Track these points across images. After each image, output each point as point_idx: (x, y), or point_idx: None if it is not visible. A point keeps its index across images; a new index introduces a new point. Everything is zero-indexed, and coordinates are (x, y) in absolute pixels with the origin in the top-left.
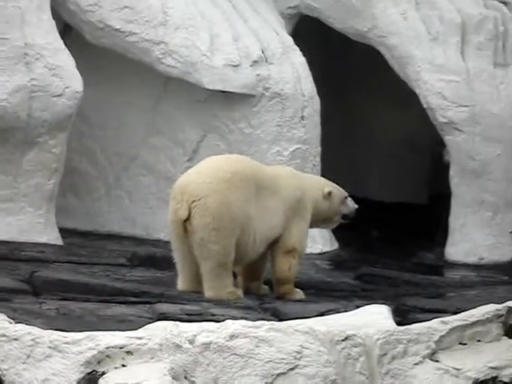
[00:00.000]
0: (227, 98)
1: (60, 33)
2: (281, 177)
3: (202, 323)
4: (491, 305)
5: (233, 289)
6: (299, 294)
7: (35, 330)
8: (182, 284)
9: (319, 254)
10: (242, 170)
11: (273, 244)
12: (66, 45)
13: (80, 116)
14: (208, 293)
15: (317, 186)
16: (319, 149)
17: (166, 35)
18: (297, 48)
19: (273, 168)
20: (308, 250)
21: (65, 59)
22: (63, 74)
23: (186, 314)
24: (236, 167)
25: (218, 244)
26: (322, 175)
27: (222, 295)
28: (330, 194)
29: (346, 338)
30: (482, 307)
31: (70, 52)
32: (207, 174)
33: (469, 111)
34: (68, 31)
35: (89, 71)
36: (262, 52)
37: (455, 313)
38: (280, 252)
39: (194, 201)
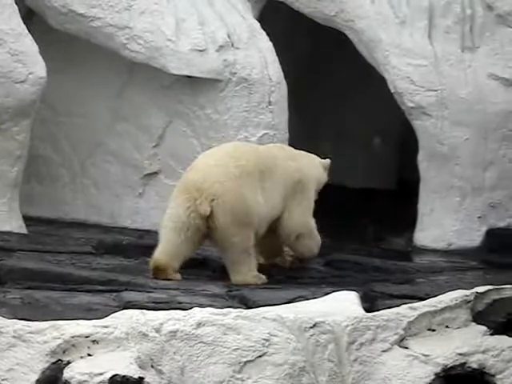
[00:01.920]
0: (193, 84)
1: (23, 18)
2: (278, 158)
3: (169, 311)
4: (459, 290)
5: (257, 273)
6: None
7: None
8: (159, 254)
9: None
10: (247, 163)
11: (273, 224)
12: (28, 30)
13: (44, 102)
14: (235, 278)
15: (312, 162)
16: (287, 134)
17: (130, 20)
18: (263, 33)
19: (268, 149)
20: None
21: (28, 45)
22: (26, 60)
23: (153, 302)
24: (242, 162)
25: (238, 236)
26: None
27: (248, 279)
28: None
29: (314, 325)
30: (451, 293)
31: (33, 37)
32: (218, 173)
33: (437, 95)
34: (31, 16)
35: (52, 57)
36: (229, 37)
37: (424, 299)
38: (290, 239)
39: (213, 199)
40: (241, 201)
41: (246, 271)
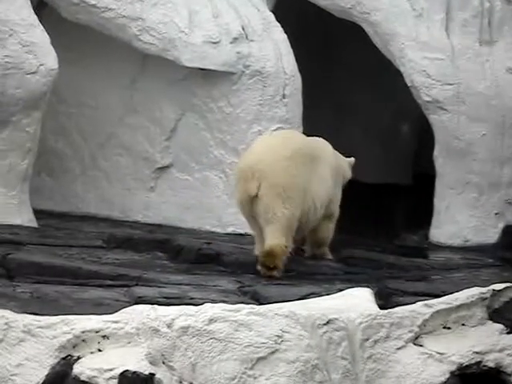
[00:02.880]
0: (206, 76)
1: (34, 9)
2: (324, 150)
3: (181, 307)
4: (475, 288)
5: (288, 248)
6: (330, 255)
7: (8, 314)
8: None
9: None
10: (299, 146)
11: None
12: (40, 21)
13: (55, 94)
14: (269, 241)
15: (344, 160)
16: (301, 128)
17: (143, 11)
18: (278, 24)
19: (316, 140)
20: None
21: (39, 36)
22: (38, 51)
23: (164, 298)
24: (294, 145)
25: (286, 209)
26: None
27: (279, 248)
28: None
29: (327, 322)
30: (467, 290)
31: (45, 28)
32: (270, 155)
33: (453, 89)
34: (42, 7)
35: (64, 48)
36: (243, 29)
37: (439, 296)
38: (322, 220)
39: (261, 178)
40: (288, 178)
41: (282, 240)
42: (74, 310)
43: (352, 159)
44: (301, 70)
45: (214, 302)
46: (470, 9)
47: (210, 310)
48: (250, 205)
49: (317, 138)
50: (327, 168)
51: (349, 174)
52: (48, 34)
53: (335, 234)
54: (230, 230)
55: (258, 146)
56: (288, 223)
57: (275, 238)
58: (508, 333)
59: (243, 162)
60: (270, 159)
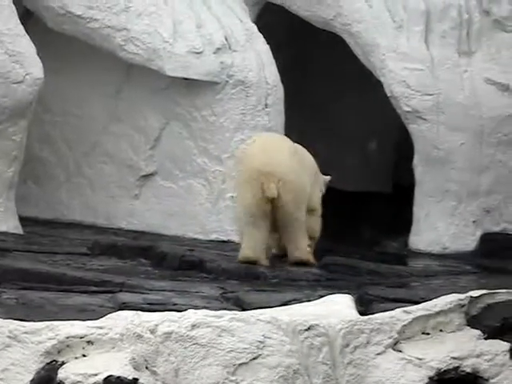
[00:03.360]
0: (190, 86)
1: (20, 19)
2: (303, 150)
3: (164, 313)
4: (454, 294)
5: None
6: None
7: None
8: (247, 251)
9: None
10: (297, 148)
11: None
12: (26, 31)
13: (40, 103)
14: (295, 254)
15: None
16: (284, 136)
17: (128, 22)
18: (261, 35)
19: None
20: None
21: (25, 45)
22: (24, 61)
23: (148, 304)
24: (294, 147)
25: (299, 212)
26: None
27: (306, 256)
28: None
29: (308, 328)
30: (445, 297)
31: (31, 38)
32: (280, 157)
33: (433, 100)
34: (28, 17)
35: (50, 58)
36: (226, 39)
37: (418, 302)
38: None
39: (279, 181)
40: (301, 180)
41: (305, 248)
42: (58, 316)
43: (328, 177)
44: (282, 80)
45: (196, 308)
46: (448, 20)
47: (192, 315)
48: (265, 206)
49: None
50: (308, 169)
51: (323, 190)
52: (34, 43)
53: (317, 240)
54: (212, 237)
55: (261, 148)
56: (303, 223)
57: (298, 249)
58: (485, 338)
59: (254, 165)
60: (281, 161)
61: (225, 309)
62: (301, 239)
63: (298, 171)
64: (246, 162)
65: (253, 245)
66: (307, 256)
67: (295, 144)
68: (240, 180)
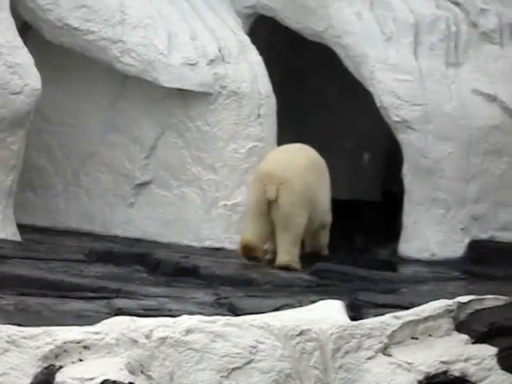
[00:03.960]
0: (184, 97)
1: (19, 31)
2: (323, 161)
3: (159, 318)
4: (442, 300)
5: (298, 260)
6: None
7: None
8: (249, 235)
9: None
10: (311, 157)
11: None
12: (24, 43)
13: (38, 113)
14: (283, 258)
15: None
16: (276, 147)
17: (123, 34)
18: (253, 47)
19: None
20: (264, 246)
21: (23, 57)
22: (22, 72)
23: (143, 310)
24: (310, 155)
25: (300, 217)
26: None
27: (293, 263)
28: None
29: (300, 333)
30: (434, 302)
31: (29, 50)
32: (287, 162)
33: (421, 110)
34: (27, 29)
35: (47, 69)
36: (219, 51)
37: (408, 308)
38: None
39: (281, 183)
40: (305, 186)
41: (294, 255)
42: (56, 322)
43: None
44: (275, 91)
45: (191, 313)
46: (437, 32)
47: (187, 321)
48: (266, 207)
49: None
50: (328, 180)
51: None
52: (32, 55)
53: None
54: (206, 244)
55: (276, 154)
56: (301, 231)
57: (287, 253)
58: (473, 343)
59: (262, 167)
60: (288, 166)
61: (218, 314)
62: (292, 244)
63: (306, 179)
64: (260, 164)
65: (254, 233)
66: (295, 264)
67: (319, 157)
68: (253, 178)
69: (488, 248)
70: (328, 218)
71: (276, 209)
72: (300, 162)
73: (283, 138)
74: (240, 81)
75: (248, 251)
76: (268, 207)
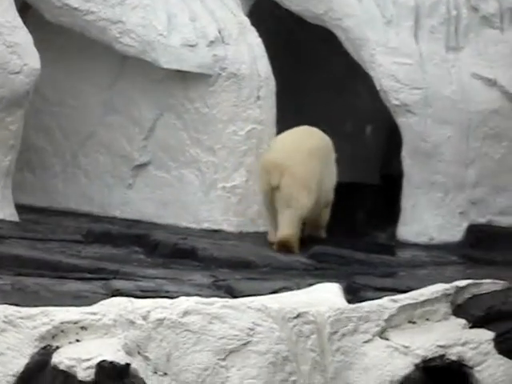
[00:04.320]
0: (184, 78)
1: (18, 11)
2: (331, 142)
3: (156, 300)
4: (440, 284)
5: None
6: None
7: None
8: (286, 229)
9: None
10: (317, 141)
11: None
12: (24, 23)
13: (37, 93)
14: (284, 231)
15: None
16: (274, 129)
17: (123, 14)
18: (253, 29)
19: (325, 135)
20: (262, 229)
21: (23, 37)
22: (21, 52)
23: (141, 291)
24: (312, 139)
25: (304, 199)
26: None
27: (292, 240)
28: None
29: (297, 316)
30: (431, 286)
31: (28, 30)
32: (291, 148)
33: (421, 94)
34: (26, 9)
35: (46, 49)
36: (219, 32)
37: (405, 291)
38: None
39: (283, 170)
40: (308, 171)
41: (294, 233)
42: (53, 302)
43: None
44: (273, 73)
45: (188, 295)
46: (437, 16)
47: (184, 302)
48: (271, 195)
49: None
50: (333, 159)
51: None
52: (31, 35)
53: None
54: (205, 226)
55: (279, 142)
56: (304, 212)
57: (289, 228)
58: (470, 327)
59: (266, 156)
60: (290, 153)
61: (216, 296)
62: (293, 223)
63: (308, 164)
64: (266, 151)
65: (292, 230)
66: (294, 240)
67: (326, 139)
68: (259, 167)
69: (486, 232)
70: (331, 195)
71: (278, 193)
72: (302, 147)
73: (282, 120)
74: (239, 62)
75: (285, 248)
76: (272, 194)
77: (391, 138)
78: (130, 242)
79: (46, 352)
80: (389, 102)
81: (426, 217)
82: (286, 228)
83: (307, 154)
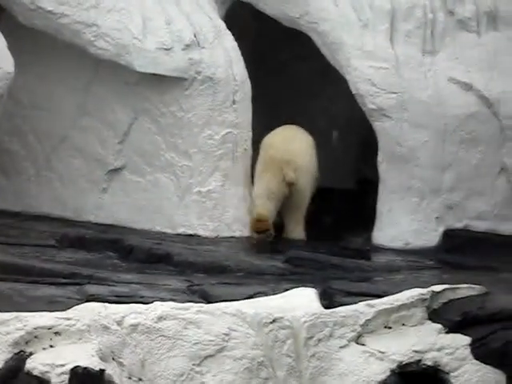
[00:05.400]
0: (159, 81)
1: None
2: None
3: (131, 305)
4: (416, 289)
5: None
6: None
7: None
8: (262, 210)
9: (249, 237)
10: (307, 138)
11: None
12: None
13: (11, 97)
14: (295, 231)
15: None
16: (250, 133)
17: (98, 18)
18: (229, 32)
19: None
20: (237, 234)
21: None
22: None
23: (115, 296)
24: (304, 137)
25: (308, 194)
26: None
27: (301, 235)
28: None
29: (273, 321)
30: (407, 291)
31: (2, 33)
32: (297, 146)
33: (397, 98)
34: (0, 12)
35: (20, 52)
36: (195, 36)
37: (381, 296)
38: None
39: (296, 167)
40: (314, 166)
41: (302, 229)
42: (27, 307)
43: None
44: (249, 77)
45: (163, 300)
46: (413, 20)
47: (159, 308)
48: (285, 189)
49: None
50: (315, 153)
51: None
52: (5, 38)
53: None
54: (180, 230)
55: (281, 140)
56: (307, 204)
57: (299, 225)
58: (446, 332)
59: (276, 154)
60: (298, 151)
61: (191, 301)
62: (301, 220)
63: (310, 160)
64: (269, 151)
65: (267, 209)
66: (303, 235)
67: (308, 136)
68: (265, 166)
69: (462, 237)
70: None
71: (294, 190)
72: (302, 145)
73: (257, 124)
74: (215, 66)
75: (260, 225)
76: (287, 190)
77: (367, 143)
78: (104, 247)
79: (19, 358)
80: (365, 105)
81: (402, 221)
82: (297, 226)
83: (310, 150)
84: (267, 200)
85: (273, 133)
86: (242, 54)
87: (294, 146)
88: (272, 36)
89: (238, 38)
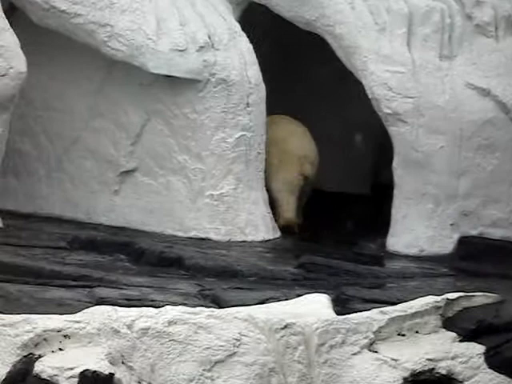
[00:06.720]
0: (172, 83)
1: (5, 12)
2: None
3: (141, 308)
4: (430, 296)
5: None
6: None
7: None
8: (289, 214)
9: (261, 241)
10: (306, 130)
11: None
12: (10, 25)
13: (22, 97)
14: (289, 215)
15: None
16: (264, 136)
17: (111, 18)
18: (244, 34)
19: None
20: (250, 238)
21: (9, 39)
22: (7, 55)
23: (126, 299)
24: (304, 127)
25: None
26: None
27: (296, 219)
28: None
29: (285, 327)
30: (421, 299)
31: (15, 32)
32: (307, 140)
33: (413, 102)
34: (12, 11)
35: (33, 52)
36: (209, 38)
37: (395, 303)
38: None
39: (311, 161)
40: (318, 159)
41: (298, 213)
42: (36, 310)
43: None
44: (264, 80)
45: (174, 304)
46: (431, 24)
47: (170, 312)
48: (301, 184)
49: None
50: None
51: None
52: (18, 38)
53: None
54: (191, 234)
55: (288, 131)
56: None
57: (294, 213)
58: (460, 341)
59: (295, 149)
60: (310, 145)
61: (202, 306)
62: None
63: (316, 151)
64: (283, 146)
65: (292, 209)
66: (297, 220)
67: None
68: (281, 160)
69: (477, 244)
70: None
71: (308, 183)
72: (311, 139)
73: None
74: (229, 68)
75: (288, 230)
76: (303, 183)
77: (382, 148)
78: (115, 250)
79: (28, 361)
80: (380, 110)
81: (417, 228)
82: (294, 213)
83: (313, 144)
84: (289, 194)
85: (275, 127)
86: (258, 57)
87: (306, 140)
88: (289, 39)
89: (254, 40)
